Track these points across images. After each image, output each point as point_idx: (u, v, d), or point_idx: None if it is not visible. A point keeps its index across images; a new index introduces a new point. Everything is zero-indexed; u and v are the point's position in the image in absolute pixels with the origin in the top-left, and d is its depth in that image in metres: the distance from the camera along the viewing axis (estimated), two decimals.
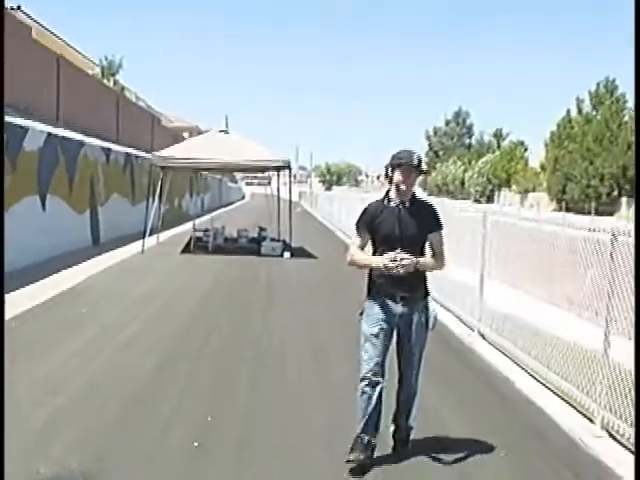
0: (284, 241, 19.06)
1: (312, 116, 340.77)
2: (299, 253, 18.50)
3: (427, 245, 4.88)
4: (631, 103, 55.93)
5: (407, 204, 4.78)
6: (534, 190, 66.53)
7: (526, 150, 78.23)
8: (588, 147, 55.59)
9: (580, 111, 61.96)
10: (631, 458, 4.91)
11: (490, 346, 8.27)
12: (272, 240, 19.27)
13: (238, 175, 79.27)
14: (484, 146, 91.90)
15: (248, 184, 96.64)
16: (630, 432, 5.11)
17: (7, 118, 12.25)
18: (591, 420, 5.72)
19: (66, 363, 7.11)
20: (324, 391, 6.49)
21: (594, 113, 60.13)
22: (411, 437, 5.06)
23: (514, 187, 71.66)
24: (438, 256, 4.89)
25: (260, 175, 22.11)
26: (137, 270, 14.63)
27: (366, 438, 4.77)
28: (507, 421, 5.84)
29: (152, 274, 14.07)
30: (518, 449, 5.21)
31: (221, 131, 19.05)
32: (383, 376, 4.79)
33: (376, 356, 4.73)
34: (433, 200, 5.29)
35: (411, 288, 4.74)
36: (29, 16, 28.48)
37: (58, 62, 20.88)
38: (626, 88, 59.48)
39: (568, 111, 62.62)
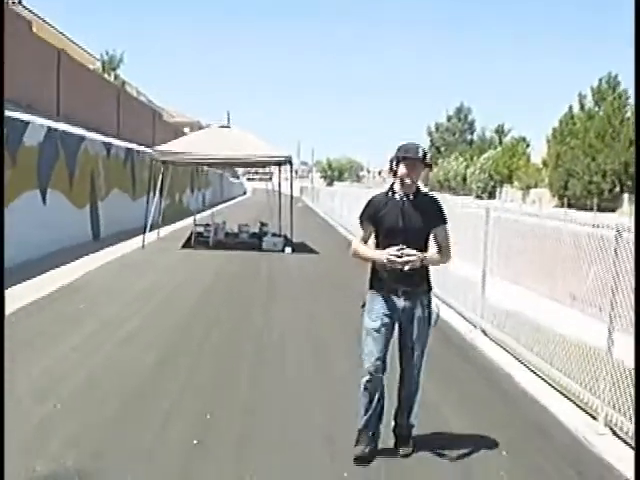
0: (285, 236, 19.03)
1: (314, 111, 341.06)
2: (300, 248, 18.47)
3: (431, 239, 4.83)
4: (633, 99, 55.82)
5: (411, 197, 4.74)
6: (536, 186, 66.46)
7: (528, 146, 78.13)
8: (590, 143, 55.48)
9: (582, 107, 61.81)
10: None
11: (492, 342, 8.23)
12: (273, 235, 19.24)
13: (239, 170, 79.01)
14: (486, 142, 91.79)
15: (249, 179, 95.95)
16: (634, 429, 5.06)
17: (7, 112, 12.19)
18: (594, 417, 5.68)
19: (66, 358, 7.07)
20: (325, 386, 6.46)
21: (596, 109, 59.98)
22: (413, 435, 5.01)
23: (516, 183, 71.57)
24: (444, 251, 4.84)
25: (261, 170, 22.05)
26: (137, 265, 14.59)
27: (370, 432, 4.84)
28: (509, 418, 5.80)
29: (152, 269, 14.04)
30: (520, 446, 5.16)
31: (222, 126, 19.02)
32: (385, 371, 4.78)
33: (377, 351, 4.71)
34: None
35: (414, 282, 4.70)
36: (30, 10, 28.37)
37: (59, 56, 20.78)
38: (628, 84, 59.39)
39: (570, 107, 62.52)
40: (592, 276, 6.00)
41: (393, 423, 5.04)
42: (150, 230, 18.51)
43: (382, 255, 4.58)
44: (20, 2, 27.66)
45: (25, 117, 13.70)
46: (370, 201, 4.89)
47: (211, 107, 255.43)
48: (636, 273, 5.26)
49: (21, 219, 12.64)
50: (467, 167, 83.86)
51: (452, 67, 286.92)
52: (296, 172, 48.35)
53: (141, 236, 17.70)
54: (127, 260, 15.23)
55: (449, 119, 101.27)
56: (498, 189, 75.26)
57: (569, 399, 6.16)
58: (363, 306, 4.86)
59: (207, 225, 20.03)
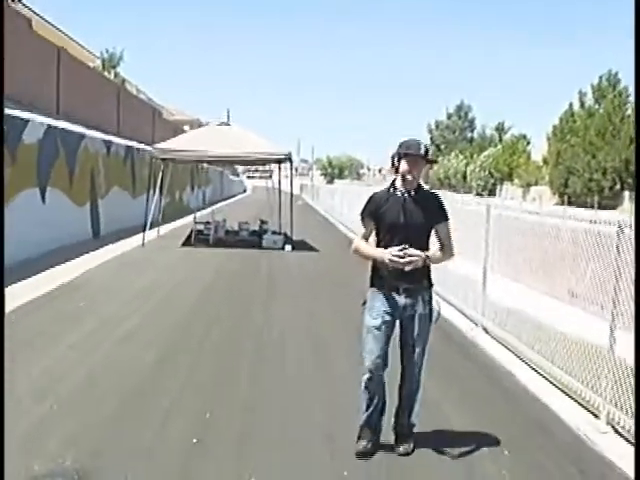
0: (285, 234, 19.00)
1: (314, 109, 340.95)
2: (300, 246, 18.45)
3: (434, 236, 4.82)
4: (633, 97, 55.76)
5: (413, 193, 4.72)
6: (536, 184, 66.40)
7: (528, 144, 78.04)
8: (590, 141, 55.43)
9: (582, 105, 61.72)
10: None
11: (493, 340, 8.20)
12: (273, 233, 19.22)
13: (240, 168, 79.15)
14: (486, 140, 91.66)
15: (249, 177, 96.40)
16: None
17: (6, 110, 12.16)
18: (596, 415, 5.65)
19: (65, 357, 7.05)
20: (325, 384, 6.44)
21: (597, 107, 59.91)
22: (413, 433, 4.98)
23: (516, 181, 71.50)
24: (446, 247, 4.83)
25: (261, 168, 22.10)
26: (137, 263, 14.57)
27: (371, 428, 4.88)
28: (510, 416, 5.77)
29: (153, 267, 14.01)
30: (522, 445, 5.14)
31: (222, 123, 19.00)
32: (385, 367, 4.78)
33: (378, 349, 4.71)
34: None
35: (414, 279, 4.67)
36: (29, 8, 28.33)
37: (58, 54, 20.74)
38: (629, 81, 59.28)
39: (570, 105, 62.43)
40: (593, 273, 5.97)
41: (393, 421, 5.01)
42: (150, 228, 18.49)
43: (384, 254, 4.55)
44: (20, 0, 27.62)
45: (25, 115, 13.66)
46: (371, 197, 4.87)
47: (211, 105, 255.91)
48: (636, 270, 5.23)
49: (20, 217, 12.60)
50: (467, 165, 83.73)
51: (452, 65, 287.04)
52: (296, 170, 48.35)
53: (141, 234, 17.67)
54: (127, 258, 15.20)
55: (449, 117, 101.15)
56: (498, 187, 75.19)
57: (571, 397, 6.13)
58: (364, 304, 4.84)
59: (207, 223, 20.00)
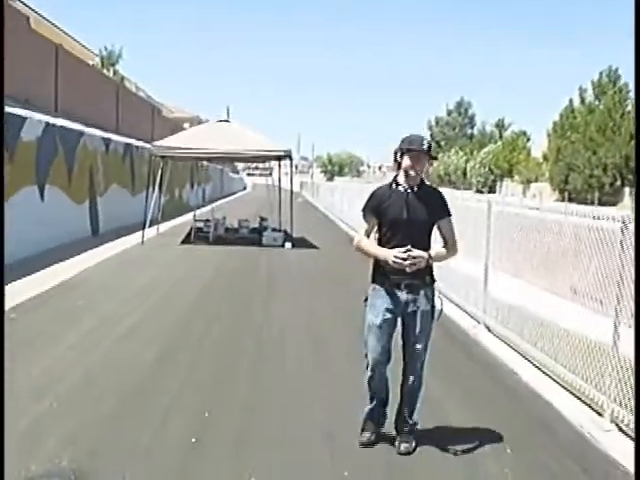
0: (285, 231, 18.95)
1: (314, 106, 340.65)
2: (300, 243, 18.40)
3: (437, 233, 4.78)
4: (633, 93, 55.68)
5: (415, 189, 4.69)
6: (536, 180, 66.35)
7: (528, 140, 77.98)
8: (591, 137, 55.36)
9: (583, 101, 61.64)
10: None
11: (495, 338, 8.15)
12: (273, 230, 19.17)
13: (240, 166, 79.12)
14: (486, 136, 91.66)
15: (250, 175, 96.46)
16: None
17: (5, 108, 12.09)
18: (600, 414, 5.59)
19: (65, 356, 7.00)
20: (324, 382, 6.40)
21: (597, 103, 59.82)
22: (414, 433, 4.93)
23: (516, 177, 71.46)
24: (450, 244, 4.79)
25: (261, 166, 22.07)
26: (137, 261, 14.53)
27: (375, 420, 4.95)
28: (513, 414, 5.72)
29: (152, 265, 13.97)
30: (524, 443, 5.09)
31: (221, 120, 18.93)
32: (388, 363, 4.80)
33: (380, 347, 4.72)
34: None
35: (417, 275, 4.62)
36: (28, 6, 28.28)
37: (57, 52, 20.67)
38: (629, 78, 59.20)
39: (571, 101, 62.35)
40: (597, 270, 5.91)
41: (395, 419, 4.98)
42: (150, 226, 18.46)
43: (388, 255, 4.53)
44: None
45: (23, 112, 13.59)
46: (373, 193, 4.84)
47: (211, 102, 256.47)
48: (636, 267, 5.20)
49: (19, 215, 12.53)
50: (467, 161, 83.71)
51: (452, 61, 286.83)
52: (296, 167, 48.32)
53: (140, 232, 17.63)
54: (127, 256, 15.16)
55: (449, 113, 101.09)
56: (498, 183, 75.13)
57: (574, 395, 6.07)
58: (365, 300, 4.82)
59: (207, 220, 19.96)
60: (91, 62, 34.69)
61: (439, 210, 4.74)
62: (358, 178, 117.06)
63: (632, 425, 5.15)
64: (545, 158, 65.04)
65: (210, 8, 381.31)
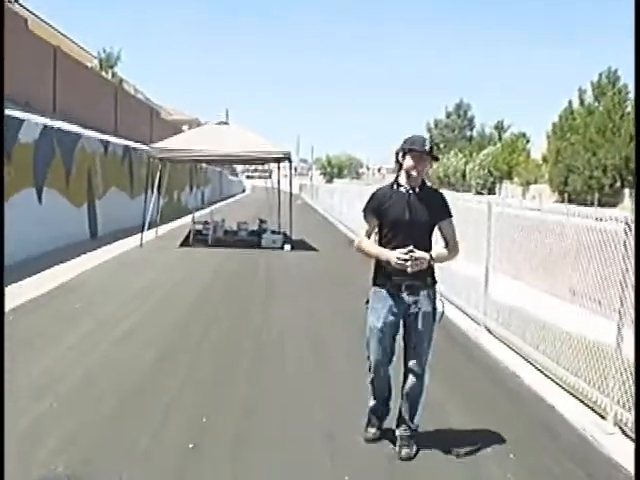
0: (284, 233, 18.91)
1: (313, 109, 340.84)
2: (300, 246, 18.35)
3: (438, 234, 4.76)
4: (633, 94, 55.66)
5: (417, 190, 4.67)
6: (536, 182, 66.31)
7: (528, 142, 77.92)
8: (590, 138, 55.30)
9: (582, 102, 61.58)
10: None
11: (496, 340, 8.08)
12: (272, 232, 19.13)
13: (239, 168, 79.17)
14: (485, 138, 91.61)
15: (249, 177, 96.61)
16: None
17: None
18: (603, 417, 5.53)
19: (63, 358, 6.96)
20: (324, 384, 6.35)
21: (596, 104, 59.78)
22: (416, 438, 4.87)
23: (515, 179, 71.43)
24: (451, 245, 4.78)
25: (261, 168, 22.06)
26: (136, 263, 14.46)
27: (378, 414, 5.02)
28: (515, 418, 5.66)
29: (151, 267, 13.91)
30: (527, 447, 5.03)
31: (220, 122, 18.87)
32: (390, 363, 4.82)
33: (382, 350, 4.73)
34: None
35: (418, 277, 4.59)
36: (26, 8, 28.25)
37: (55, 54, 20.66)
38: (628, 79, 59.17)
39: (570, 102, 62.28)
40: (598, 271, 5.85)
41: (396, 424, 4.93)
42: (148, 228, 18.41)
43: (391, 256, 4.50)
44: (17, 0, 27.54)
45: (20, 114, 13.53)
46: (374, 194, 4.82)
47: (210, 105, 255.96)
48: (636, 269, 5.16)
49: (17, 218, 12.46)
50: (467, 163, 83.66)
51: (451, 63, 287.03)
52: (295, 169, 48.32)
53: (139, 234, 17.57)
54: (125, 258, 15.10)
55: (448, 115, 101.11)
56: (498, 185, 75.10)
57: (577, 398, 6.01)
58: (367, 302, 4.80)
59: (206, 223, 19.90)
60: (89, 64, 34.67)
61: (440, 211, 4.72)
62: (357, 180, 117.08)
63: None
64: (544, 160, 64.99)
65: (209, 10, 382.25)
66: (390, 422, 5.02)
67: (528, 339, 7.22)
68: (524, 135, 79.90)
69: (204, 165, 35.67)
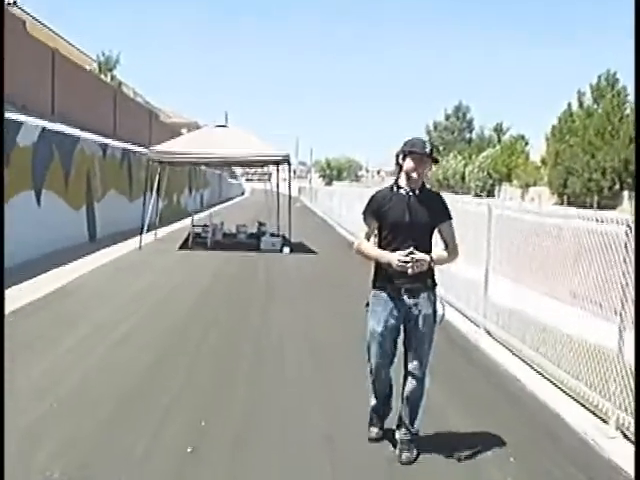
0: (284, 236, 18.88)
1: (312, 111, 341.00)
2: (299, 248, 18.31)
3: (438, 236, 4.75)
4: (632, 97, 55.73)
5: (417, 192, 4.65)
6: (535, 184, 66.36)
7: (527, 144, 78.09)
8: (589, 141, 55.37)
9: (581, 105, 61.66)
10: None
11: (496, 343, 8.04)
12: (271, 235, 19.10)
13: (238, 171, 79.03)
14: (484, 140, 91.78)
15: (248, 180, 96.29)
16: None
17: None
18: (604, 420, 5.48)
19: (62, 361, 6.94)
20: (323, 386, 6.35)
21: (595, 107, 59.84)
22: (416, 442, 4.82)
23: (515, 181, 71.48)
24: (451, 247, 4.77)
25: (260, 171, 22.05)
26: (135, 266, 14.43)
27: (380, 413, 5.05)
28: (516, 421, 5.61)
29: (150, 270, 13.87)
30: (528, 451, 4.99)
31: (219, 125, 18.85)
32: (391, 365, 4.81)
33: (383, 353, 4.72)
34: None
35: (418, 279, 4.58)
36: (25, 11, 28.26)
37: (53, 57, 20.63)
38: (627, 81, 59.27)
39: (569, 105, 62.38)
40: (599, 274, 5.81)
41: (396, 428, 4.90)
42: (148, 231, 18.39)
43: (392, 258, 4.48)
44: (15, 3, 27.54)
45: (19, 117, 13.50)
46: (374, 196, 4.81)
47: (209, 107, 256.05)
48: (636, 271, 5.13)
49: (15, 220, 12.42)
50: (466, 165, 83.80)
51: (451, 66, 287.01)
52: (294, 172, 48.30)
53: (138, 237, 17.52)
54: (124, 261, 15.07)
55: (448, 118, 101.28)
56: (497, 187, 75.17)
57: (578, 402, 5.97)
58: (367, 305, 4.79)
59: (205, 226, 19.89)
60: (88, 67, 34.66)
61: (440, 214, 4.71)
62: (357, 183, 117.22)
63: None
64: (544, 162, 65.07)
65: (208, 13, 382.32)
66: (391, 422, 5.01)
67: (528, 342, 7.18)
68: (523, 137, 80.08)
69: (203, 168, 35.66)
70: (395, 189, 4.69)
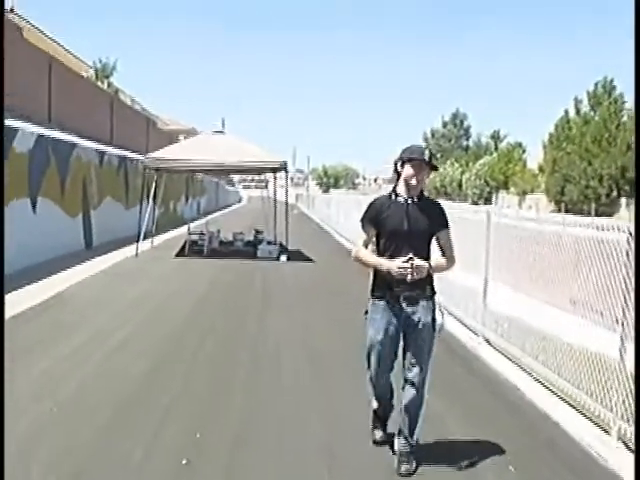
0: (281, 244, 18.80)
1: (309, 119, 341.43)
2: (296, 256, 18.23)
3: (435, 244, 4.72)
4: (629, 104, 55.76)
5: (416, 199, 4.62)
6: (532, 192, 66.35)
7: (524, 152, 78.05)
8: (586, 148, 55.33)
9: (578, 112, 61.66)
10: None
11: (496, 352, 7.97)
12: (268, 243, 19.02)
13: (235, 178, 79.16)
14: (482, 148, 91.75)
15: (245, 187, 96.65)
16: None
17: None
18: (606, 431, 5.41)
19: (60, 366, 6.94)
20: (321, 394, 6.30)
21: (592, 114, 59.87)
22: (415, 454, 4.75)
23: (512, 189, 71.47)
24: (448, 257, 4.75)
25: (257, 178, 22.03)
26: (131, 274, 14.34)
27: (381, 413, 5.05)
28: (516, 431, 5.54)
29: (146, 278, 13.79)
30: (529, 462, 4.93)
31: (216, 132, 18.79)
32: (391, 370, 4.79)
33: (382, 361, 4.70)
34: None
35: (417, 287, 4.55)
36: (22, 18, 28.20)
37: (50, 64, 20.58)
38: (624, 88, 59.25)
39: (566, 112, 62.37)
40: (600, 281, 5.74)
41: (395, 438, 4.83)
42: (144, 238, 18.31)
43: (392, 266, 4.45)
44: (12, 10, 27.50)
45: (15, 124, 13.44)
46: (372, 203, 4.78)
47: (206, 115, 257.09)
48: (636, 278, 5.08)
49: (11, 228, 12.34)
50: (463, 173, 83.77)
51: (447, 73, 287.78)
52: (292, 179, 48.28)
53: (135, 245, 17.45)
54: (120, 269, 14.99)
55: (445, 125, 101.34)
56: (494, 195, 75.14)
57: (579, 411, 5.90)
58: (366, 313, 4.75)
59: (201, 233, 19.81)
60: (85, 74, 34.63)
61: (438, 222, 4.68)
62: (354, 190, 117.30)
63: None
64: (541, 169, 65.04)
65: (205, 21, 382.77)
66: (394, 425, 4.96)
67: (528, 350, 7.11)
68: (520, 145, 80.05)
69: (200, 175, 35.60)
70: (393, 197, 4.67)
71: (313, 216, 45.68)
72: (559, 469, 4.83)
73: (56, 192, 15.86)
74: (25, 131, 13.86)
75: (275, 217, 20.01)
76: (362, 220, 4.75)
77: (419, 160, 4.54)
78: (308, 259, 18.21)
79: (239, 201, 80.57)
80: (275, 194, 20.86)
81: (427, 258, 4.57)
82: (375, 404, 5.02)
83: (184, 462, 4.69)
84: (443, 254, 4.74)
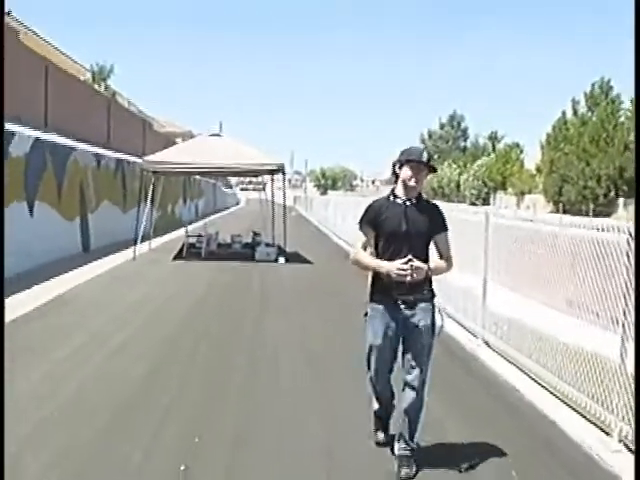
0: (279, 246, 18.77)
1: (307, 121, 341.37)
2: (294, 258, 18.20)
3: (433, 246, 4.70)
4: (626, 104, 55.89)
5: (414, 201, 4.61)
6: (530, 192, 66.35)
7: (522, 152, 78.05)
8: (584, 148, 55.36)
9: (575, 112, 61.72)
10: None
11: (495, 354, 7.94)
12: (266, 245, 18.98)
13: (233, 180, 79.11)
14: (479, 149, 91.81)
15: (243, 189, 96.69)
16: None
17: None
18: (607, 433, 5.37)
19: (58, 369, 6.93)
20: (320, 397, 6.28)
21: (590, 114, 59.91)
22: (415, 457, 4.70)
23: (510, 190, 71.47)
24: (446, 259, 4.72)
25: (255, 180, 21.99)
26: (129, 277, 14.33)
27: (383, 413, 5.03)
28: (517, 434, 5.51)
29: (144, 281, 13.77)
30: (529, 465, 4.89)
31: (213, 134, 18.76)
32: (391, 372, 4.79)
33: (382, 364, 4.70)
34: None
35: (416, 290, 4.53)
36: (19, 21, 28.19)
37: (47, 67, 20.55)
38: (621, 89, 59.37)
39: (563, 113, 62.43)
40: (604, 283, 5.71)
41: (395, 441, 4.79)
42: (142, 241, 18.27)
43: (391, 267, 4.42)
44: (9, 13, 27.46)
45: (12, 127, 13.39)
46: (370, 205, 4.75)
47: (203, 117, 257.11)
48: (636, 277, 5.06)
49: (7, 231, 12.29)
50: (461, 174, 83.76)
51: (445, 74, 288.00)
52: (289, 181, 48.30)
53: (132, 248, 17.42)
54: (118, 272, 14.97)
55: (442, 126, 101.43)
56: (492, 196, 75.14)
57: (579, 413, 5.86)
58: (365, 315, 4.73)
59: (199, 236, 19.79)
60: (82, 77, 34.59)
61: (437, 224, 4.67)
62: (351, 192, 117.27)
63: None
64: (538, 170, 65.06)
65: (202, 23, 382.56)
66: (396, 425, 4.94)
67: (527, 352, 7.07)
68: (518, 145, 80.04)
69: (197, 177, 35.59)
70: (392, 198, 4.65)
71: (311, 218, 45.67)
72: (559, 471, 4.80)
73: (53, 196, 15.82)
74: (22, 135, 13.81)
75: (273, 219, 19.98)
76: (360, 222, 4.73)
77: (417, 161, 4.52)
78: (306, 261, 18.18)
79: (237, 203, 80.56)
80: (273, 196, 20.83)
81: (426, 260, 4.55)
82: (376, 405, 5.00)
83: (182, 468, 4.65)
84: (441, 257, 4.72)
